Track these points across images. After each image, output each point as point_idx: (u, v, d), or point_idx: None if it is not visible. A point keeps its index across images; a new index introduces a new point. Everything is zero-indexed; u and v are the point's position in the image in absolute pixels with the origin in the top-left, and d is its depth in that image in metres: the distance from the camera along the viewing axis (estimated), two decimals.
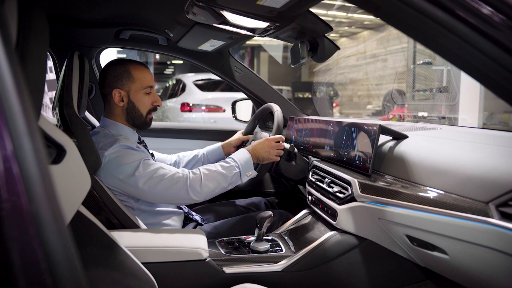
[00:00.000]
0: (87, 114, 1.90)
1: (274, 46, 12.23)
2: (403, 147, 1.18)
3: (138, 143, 1.51)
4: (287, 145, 1.60)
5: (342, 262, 1.25)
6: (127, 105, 1.44)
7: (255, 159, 1.47)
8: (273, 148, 1.50)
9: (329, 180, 1.38)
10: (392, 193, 1.06)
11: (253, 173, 1.44)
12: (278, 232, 1.52)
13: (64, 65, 1.34)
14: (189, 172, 1.35)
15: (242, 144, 1.85)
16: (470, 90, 5.70)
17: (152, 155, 1.58)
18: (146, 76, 1.46)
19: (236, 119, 2.33)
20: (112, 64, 1.46)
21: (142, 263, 0.97)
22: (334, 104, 10.06)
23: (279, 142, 1.52)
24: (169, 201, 1.37)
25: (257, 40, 10.93)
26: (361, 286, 1.26)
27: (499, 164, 0.86)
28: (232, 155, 1.45)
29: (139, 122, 1.47)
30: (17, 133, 0.38)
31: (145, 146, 1.56)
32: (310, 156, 1.65)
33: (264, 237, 1.36)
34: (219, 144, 1.84)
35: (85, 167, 0.68)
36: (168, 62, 15.51)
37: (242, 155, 1.45)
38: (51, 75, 3.35)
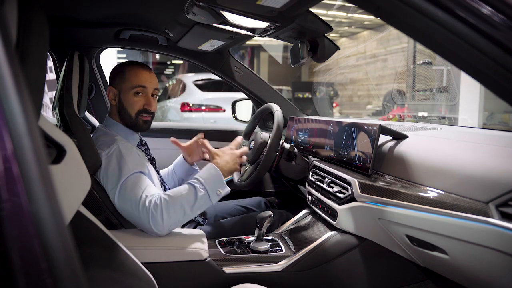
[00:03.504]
0: (87, 114, 1.90)
1: (274, 46, 12.22)
2: (403, 147, 1.18)
3: (139, 145, 1.50)
4: (287, 145, 1.60)
5: (342, 262, 1.25)
6: (118, 104, 1.43)
7: (226, 173, 1.32)
8: (238, 157, 1.39)
9: (329, 180, 1.38)
10: (392, 193, 1.06)
11: (224, 190, 1.28)
12: (278, 232, 1.52)
13: (64, 65, 1.34)
14: (153, 202, 1.20)
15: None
16: (470, 90, 5.70)
17: (153, 159, 1.57)
18: (139, 76, 1.41)
19: (236, 119, 2.33)
20: (118, 64, 1.48)
21: (142, 263, 0.97)
22: (334, 104, 10.06)
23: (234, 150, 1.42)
24: (133, 222, 1.26)
25: (257, 40, 10.93)
26: (361, 286, 1.26)
27: (499, 164, 0.86)
28: (198, 175, 1.29)
29: (130, 123, 1.43)
30: (17, 133, 0.38)
31: (147, 149, 1.55)
32: (310, 156, 1.65)
33: (264, 237, 1.36)
34: (180, 155, 1.72)
35: (85, 167, 0.68)
36: (168, 62, 15.51)
37: (208, 172, 1.28)
38: (51, 75, 3.35)
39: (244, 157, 1.44)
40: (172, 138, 1.53)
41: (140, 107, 1.41)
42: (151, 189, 1.25)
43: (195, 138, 1.61)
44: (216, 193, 1.26)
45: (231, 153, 1.38)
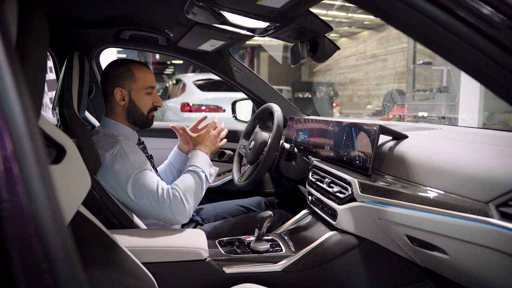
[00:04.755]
0: (87, 114, 1.90)
1: (274, 46, 12.21)
2: (403, 147, 1.18)
3: (138, 143, 1.51)
4: (287, 145, 1.60)
5: (342, 262, 1.25)
6: (128, 104, 1.44)
7: (209, 154, 1.51)
8: (216, 137, 1.55)
9: (329, 180, 1.38)
10: (392, 193, 1.06)
11: (215, 169, 1.47)
12: (278, 232, 1.52)
13: (64, 65, 1.34)
14: (171, 193, 1.30)
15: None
16: (470, 90, 5.70)
17: (151, 156, 1.58)
18: (148, 76, 1.46)
19: (236, 119, 2.33)
20: (114, 63, 1.47)
21: (142, 263, 0.97)
22: (334, 104, 10.06)
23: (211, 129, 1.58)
24: (153, 217, 1.34)
25: (257, 40, 10.93)
26: (361, 286, 1.26)
27: (499, 164, 0.86)
28: (190, 161, 1.45)
29: (140, 121, 1.47)
30: (17, 133, 0.38)
31: (144, 147, 1.56)
32: (310, 156, 1.65)
33: (264, 237, 1.36)
34: (175, 147, 1.80)
35: (85, 167, 0.68)
36: (168, 62, 15.51)
37: (197, 156, 1.46)
38: (51, 75, 3.35)
39: (223, 133, 1.60)
40: (172, 125, 1.71)
41: (151, 105, 1.49)
42: (163, 183, 1.33)
43: (195, 123, 1.71)
44: (209, 174, 1.43)
45: (208, 136, 1.55)
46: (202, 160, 1.45)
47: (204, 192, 1.40)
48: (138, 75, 1.44)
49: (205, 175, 1.41)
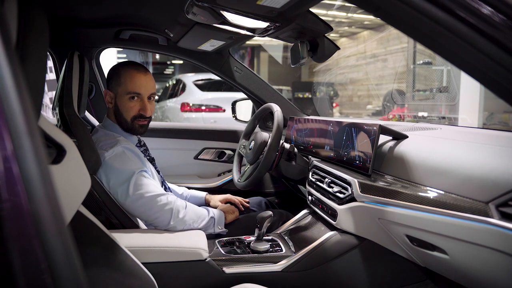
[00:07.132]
0: (87, 114, 1.90)
1: (274, 46, 12.22)
2: (403, 147, 1.18)
3: (138, 146, 1.50)
4: (287, 145, 1.60)
5: (342, 262, 1.25)
6: (114, 108, 1.44)
7: (227, 220, 1.54)
8: (234, 211, 1.60)
9: (329, 180, 1.38)
10: (392, 193, 1.06)
11: (223, 229, 1.49)
12: (278, 232, 1.52)
13: (64, 65, 1.34)
14: (165, 200, 1.33)
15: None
16: (470, 90, 5.70)
17: (153, 159, 1.57)
18: (134, 81, 1.40)
19: (236, 119, 2.33)
20: (115, 64, 1.48)
21: (142, 263, 0.97)
22: (334, 104, 10.06)
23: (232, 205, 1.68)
24: (148, 220, 1.34)
25: (257, 40, 10.93)
26: (361, 286, 1.26)
27: (499, 164, 0.86)
28: (212, 209, 1.49)
29: (125, 127, 1.44)
30: (17, 133, 0.38)
31: (146, 150, 1.55)
32: (310, 156, 1.65)
33: (264, 237, 1.36)
34: (204, 193, 1.81)
35: (85, 167, 0.68)
36: (168, 62, 15.51)
37: (220, 212, 1.51)
38: (51, 75, 3.35)
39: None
40: (231, 197, 1.80)
41: (135, 112, 1.42)
42: (159, 189, 1.33)
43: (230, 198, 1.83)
44: (218, 227, 1.47)
45: (229, 206, 1.63)
46: (219, 215, 1.49)
47: (202, 226, 1.40)
48: (124, 79, 1.41)
49: (213, 220, 1.45)
